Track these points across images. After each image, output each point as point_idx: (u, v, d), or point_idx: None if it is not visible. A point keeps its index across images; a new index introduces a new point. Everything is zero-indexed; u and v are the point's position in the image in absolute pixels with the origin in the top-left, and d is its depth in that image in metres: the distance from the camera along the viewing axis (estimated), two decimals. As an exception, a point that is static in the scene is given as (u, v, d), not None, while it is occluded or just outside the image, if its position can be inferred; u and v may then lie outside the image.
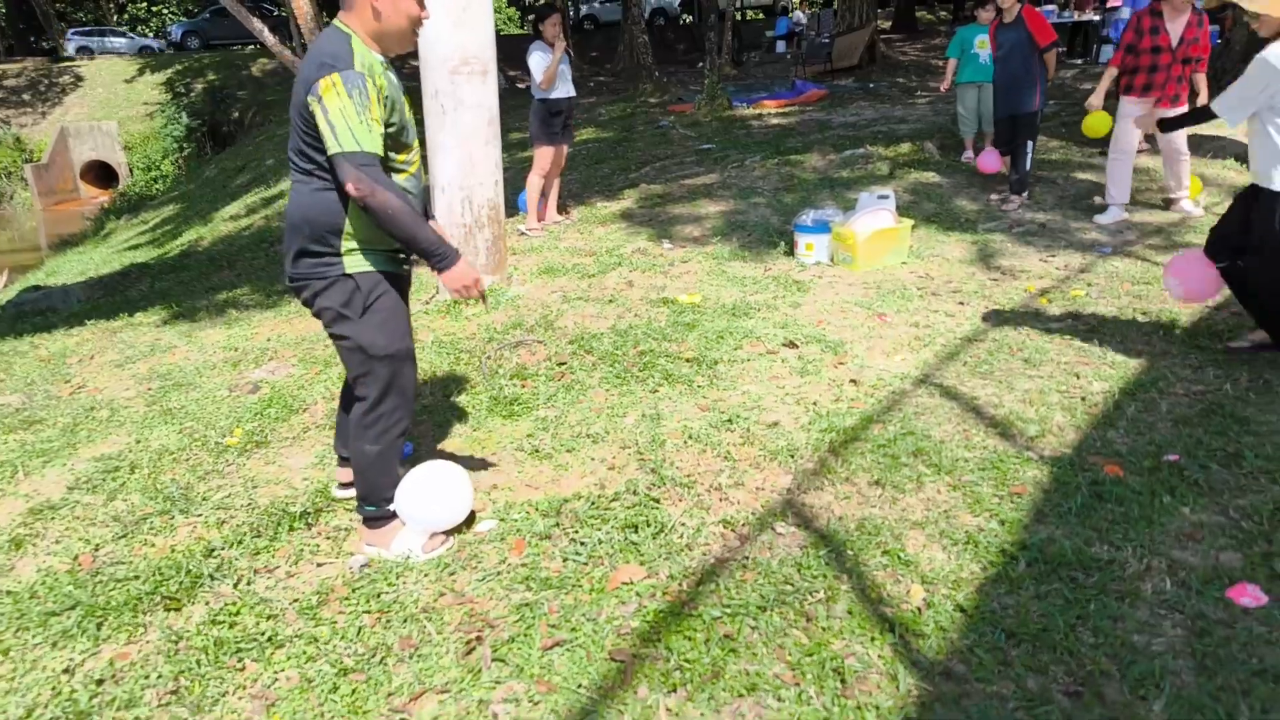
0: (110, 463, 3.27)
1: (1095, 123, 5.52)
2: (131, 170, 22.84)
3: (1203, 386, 3.23)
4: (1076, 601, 2.06)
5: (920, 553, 2.30)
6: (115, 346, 4.82)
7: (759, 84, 15.25)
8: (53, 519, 2.90)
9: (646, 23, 20.16)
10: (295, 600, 2.32)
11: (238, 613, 2.27)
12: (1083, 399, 3.18)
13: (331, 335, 2.35)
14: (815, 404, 3.27)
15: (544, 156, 6.04)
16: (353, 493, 2.78)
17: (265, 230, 9.39)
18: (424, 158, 4.77)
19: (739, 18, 21.80)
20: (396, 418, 2.41)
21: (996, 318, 4.08)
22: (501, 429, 3.31)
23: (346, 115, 2.06)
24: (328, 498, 2.86)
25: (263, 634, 2.18)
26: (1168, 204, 5.68)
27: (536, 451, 3.08)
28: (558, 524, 2.59)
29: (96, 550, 2.67)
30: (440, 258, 2.22)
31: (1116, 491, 2.52)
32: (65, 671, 2.12)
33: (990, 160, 6.32)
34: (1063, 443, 2.87)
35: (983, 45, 6.77)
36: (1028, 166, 5.95)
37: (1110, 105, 5.57)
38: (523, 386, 3.67)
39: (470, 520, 2.64)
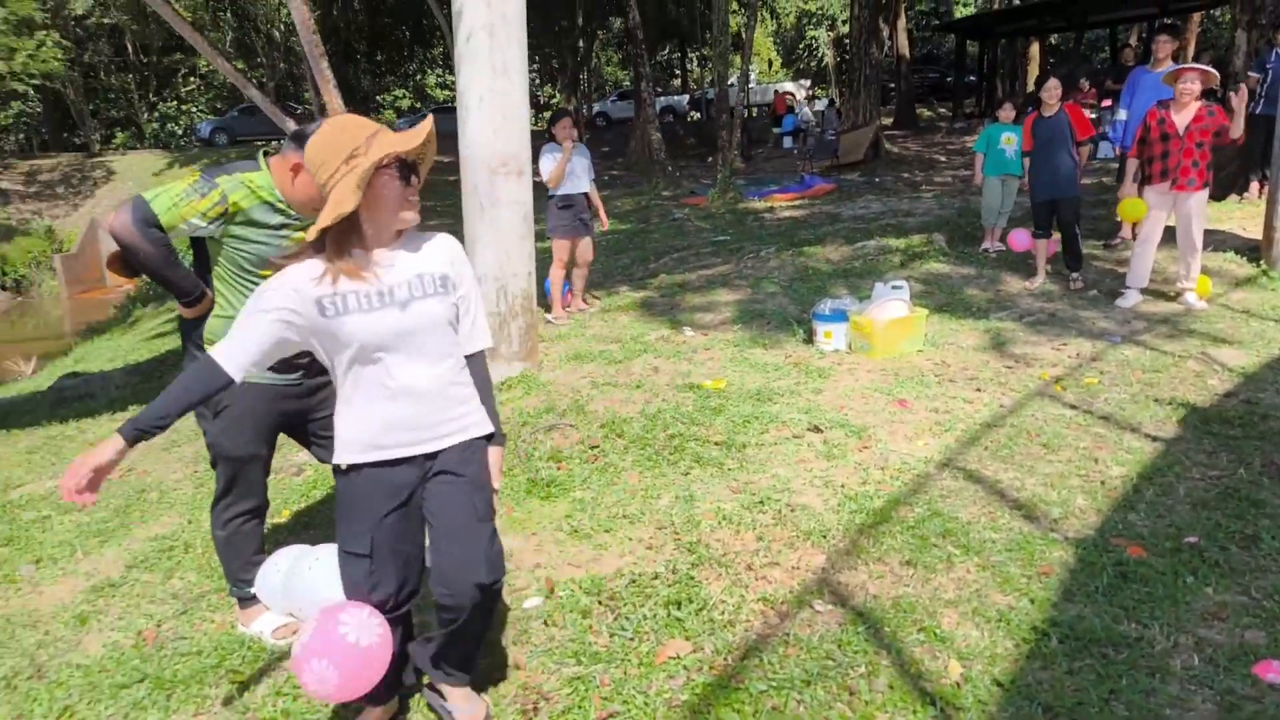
0: (165, 542, 3.40)
1: (1129, 207, 5.89)
2: (157, 259, 23.47)
3: (1218, 471, 3.35)
4: (1108, 677, 2.15)
5: (955, 630, 2.40)
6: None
7: (768, 178, 15.81)
8: (114, 596, 3.02)
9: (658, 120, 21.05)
10: (354, 674, 2.41)
11: (300, 686, 2.37)
12: (1102, 483, 3.30)
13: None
14: (843, 486, 3.39)
15: (560, 249, 6.36)
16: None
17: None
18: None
19: (747, 115, 22.74)
20: (238, 511, 2.61)
21: (1013, 404, 4.23)
22: (540, 509, 3.43)
23: (173, 188, 2.31)
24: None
25: (327, 704, 2.27)
26: (1175, 295, 5.89)
27: (575, 531, 3.20)
28: (600, 601, 2.70)
29: (159, 626, 2.78)
30: (187, 295, 2.47)
31: (1141, 571, 2.63)
32: (137, 742, 2.21)
33: (1021, 239, 6.80)
34: (1085, 525, 2.99)
35: (1008, 141, 7.26)
36: (1080, 247, 6.40)
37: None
38: (558, 469, 3.81)
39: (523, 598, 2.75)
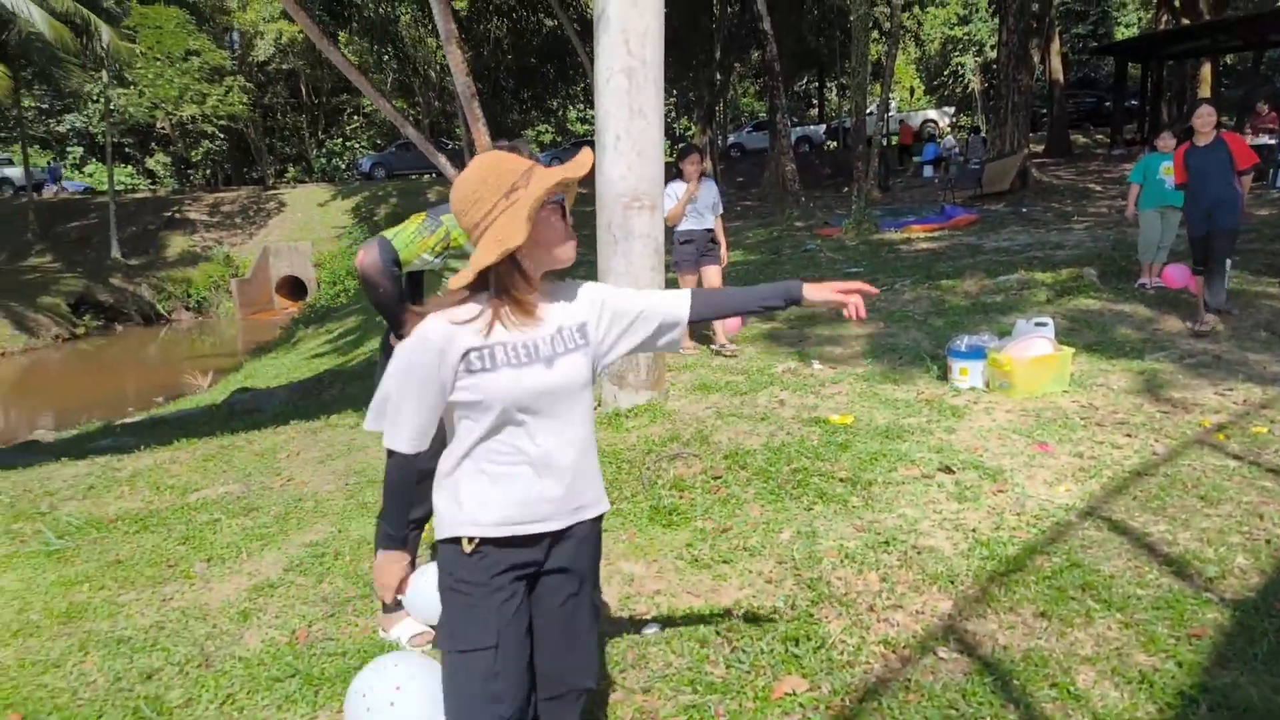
0: (318, 549, 3.68)
1: None
2: (319, 285, 25.40)
3: None
4: (1266, 752, 1.98)
5: (1091, 689, 2.28)
6: (317, 445, 5.41)
7: (906, 208, 15.43)
8: (272, 596, 3.29)
9: (793, 150, 20.98)
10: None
11: (432, 692, 2.51)
12: (1267, 541, 3.04)
13: None
14: (974, 531, 3.28)
15: (684, 283, 6.41)
16: None
17: (438, 342, 10.22)
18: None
19: (886, 144, 22.30)
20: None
21: (1168, 452, 3.95)
22: (662, 537, 3.49)
23: (406, 228, 2.65)
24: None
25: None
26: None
27: (695, 560, 3.24)
28: (718, 631, 2.72)
29: (310, 626, 3.01)
30: (402, 326, 2.59)
31: (1309, 641, 2.41)
32: (288, 732, 2.41)
33: (1178, 274, 6.37)
34: (1246, 586, 2.76)
35: (1168, 171, 6.85)
36: (1225, 284, 5.95)
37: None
38: (680, 498, 3.86)
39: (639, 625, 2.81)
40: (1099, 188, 16.08)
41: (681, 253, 6.39)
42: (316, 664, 2.74)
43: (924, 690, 2.32)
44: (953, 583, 2.90)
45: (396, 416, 1.66)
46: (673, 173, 6.44)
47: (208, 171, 38.22)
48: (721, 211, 6.51)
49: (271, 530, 3.99)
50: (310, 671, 2.70)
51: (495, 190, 1.61)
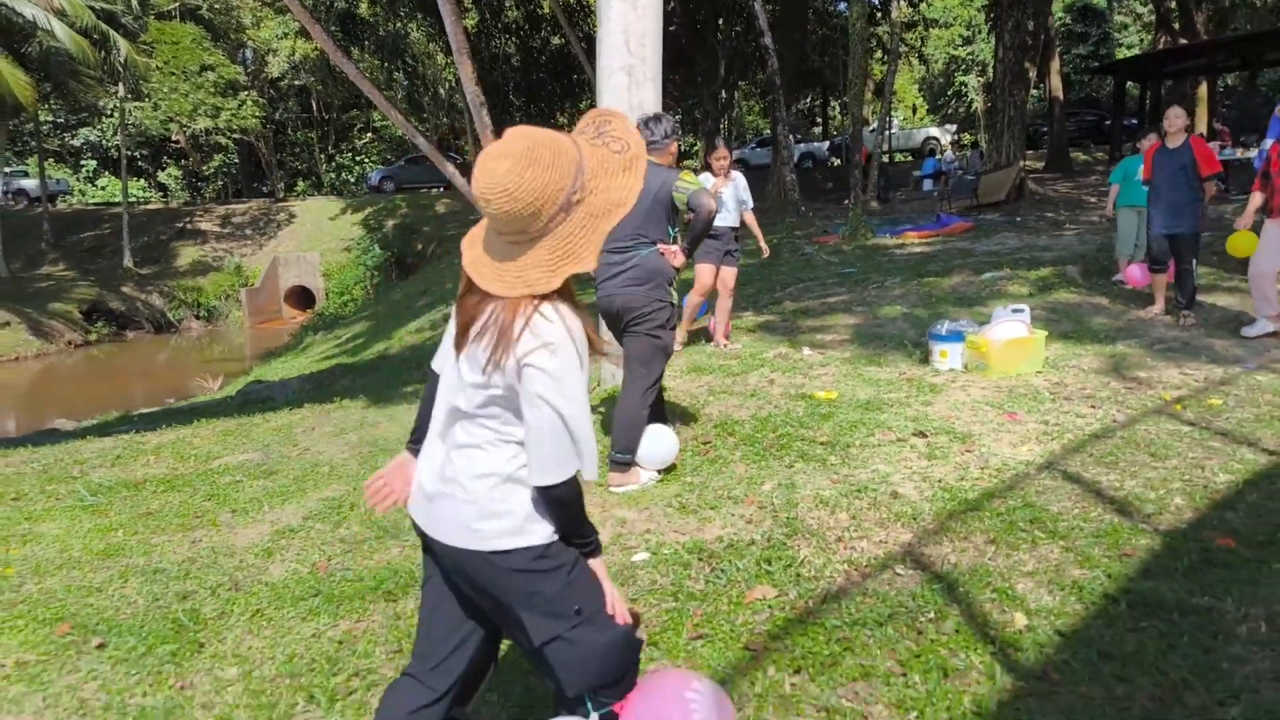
0: (334, 502, 3.98)
1: (1238, 241, 5.72)
2: (328, 294, 25.79)
3: (1336, 482, 3.30)
4: (1170, 635, 2.26)
5: (1028, 594, 2.56)
6: (331, 422, 5.71)
7: (904, 218, 15.77)
8: (293, 538, 3.59)
9: (795, 165, 21.39)
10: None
11: (441, 604, 2.80)
12: (1205, 486, 3.32)
13: (647, 335, 3.80)
14: (940, 481, 3.56)
15: (703, 273, 6.23)
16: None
17: (445, 340, 10.55)
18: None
19: (886, 160, 22.67)
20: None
21: (1127, 419, 4.24)
22: (654, 489, 3.78)
23: (696, 182, 3.69)
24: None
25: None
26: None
27: (684, 507, 3.53)
28: (700, 558, 3.01)
29: (329, 560, 3.31)
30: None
31: (1226, 558, 2.69)
32: (313, 635, 2.70)
33: (1138, 274, 6.62)
34: (1179, 520, 3.04)
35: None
36: (1194, 284, 6.21)
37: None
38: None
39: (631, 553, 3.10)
40: (1094, 199, 16.39)
41: (705, 245, 6.07)
42: (336, 587, 3.03)
43: (879, 595, 2.60)
44: (915, 520, 3.18)
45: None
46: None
47: (219, 185, 38.80)
48: (752, 205, 6.45)
49: (290, 489, 4.28)
50: (331, 592, 2.98)
51: (559, 190, 1.42)
